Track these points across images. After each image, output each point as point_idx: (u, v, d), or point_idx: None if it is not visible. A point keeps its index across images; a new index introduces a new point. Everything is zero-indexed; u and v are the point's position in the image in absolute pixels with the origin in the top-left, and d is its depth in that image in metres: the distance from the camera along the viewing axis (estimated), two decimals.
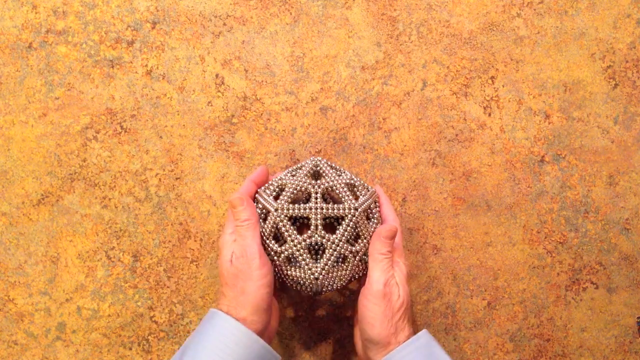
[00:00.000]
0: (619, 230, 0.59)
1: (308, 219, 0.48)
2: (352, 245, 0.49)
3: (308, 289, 0.49)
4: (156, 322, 0.58)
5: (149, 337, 0.58)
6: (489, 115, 0.59)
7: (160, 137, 0.57)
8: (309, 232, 0.48)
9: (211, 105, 0.57)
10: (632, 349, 0.60)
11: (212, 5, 0.57)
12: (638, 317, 0.60)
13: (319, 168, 0.50)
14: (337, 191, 0.49)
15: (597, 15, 0.59)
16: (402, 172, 0.58)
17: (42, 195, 0.57)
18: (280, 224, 0.48)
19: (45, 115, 0.57)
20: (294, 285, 0.50)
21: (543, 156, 0.59)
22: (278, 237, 0.50)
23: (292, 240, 0.47)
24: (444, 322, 0.59)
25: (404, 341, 0.45)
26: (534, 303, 0.59)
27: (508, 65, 0.59)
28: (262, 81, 0.58)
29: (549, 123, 0.59)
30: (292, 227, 0.48)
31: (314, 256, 0.50)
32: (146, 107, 0.57)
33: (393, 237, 0.48)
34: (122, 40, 0.57)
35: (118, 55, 0.57)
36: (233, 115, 0.58)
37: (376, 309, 0.46)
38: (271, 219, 0.48)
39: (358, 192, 0.50)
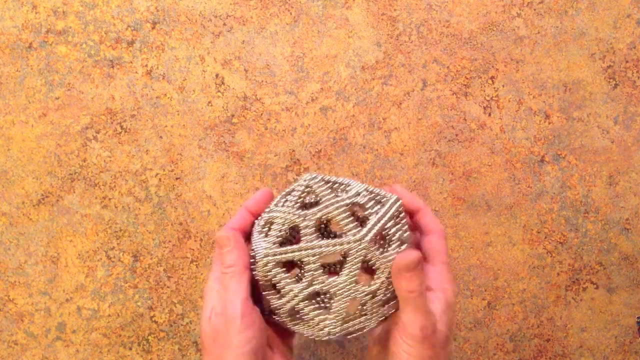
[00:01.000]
0: (619, 230, 0.59)
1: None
2: (368, 284, 0.38)
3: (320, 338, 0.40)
4: (156, 322, 0.58)
5: (149, 337, 0.58)
6: (489, 115, 0.59)
7: (160, 137, 0.57)
8: (306, 279, 0.38)
9: (211, 105, 0.57)
10: (632, 349, 0.60)
11: (212, 5, 0.57)
12: (638, 317, 0.60)
13: (311, 189, 0.39)
14: (337, 219, 0.38)
15: (597, 15, 0.59)
16: (402, 172, 0.58)
17: (42, 195, 0.57)
18: (270, 274, 0.38)
19: (45, 115, 0.57)
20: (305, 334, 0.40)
21: (543, 156, 0.59)
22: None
23: (289, 292, 0.38)
24: None
25: None
26: (534, 303, 0.59)
27: (508, 65, 0.59)
28: (262, 81, 0.58)
29: (549, 123, 0.59)
30: (286, 276, 0.38)
31: (327, 302, 0.40)
32: (146, 107, 0.57)
33: (415, 268, 0.37)
34: (122, 40, 0.57)
35: (118, 55, 0.57)
36: (233, 115, 0.58)
37: (416, 354, 0.37)
38: (260, 267, 0.38)
39: (368, 211, 0.39)
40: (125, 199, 0.57)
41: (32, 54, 0.56)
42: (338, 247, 0.37)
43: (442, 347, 0.38)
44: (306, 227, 0.37)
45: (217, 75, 0.57)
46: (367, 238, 0.37)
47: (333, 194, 0.38)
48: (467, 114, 0.58)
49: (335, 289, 0.37)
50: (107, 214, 0.57)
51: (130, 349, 0.58)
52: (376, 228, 0.38)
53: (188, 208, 0.57)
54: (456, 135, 0.59)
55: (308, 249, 0.37)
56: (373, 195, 0.39)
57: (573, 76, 0.59)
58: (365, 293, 0.37)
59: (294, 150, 0.58)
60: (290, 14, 0.57)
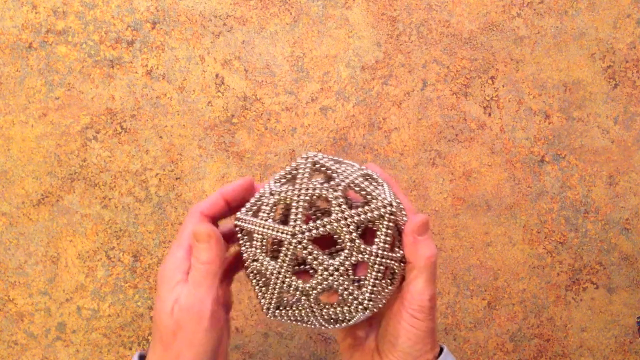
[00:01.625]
0: (619, 230, 0.59)
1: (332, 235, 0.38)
2: (395, 252, 0.37)
3: (344, 322, 0.38)
4: None
5: (149, 337, 0.58)
6: (489, 115, 0.59)
7: (160, 137, 0.57)
8: (346, 250, 0.35)
9: (211, 105, 0.57)
10: (632, 349, 0.60)
11: (212, 5, 0.57)
12: (638, 317, 0.60)
13: (319, 165, 0.38)
14: (359, 188, 0.37)
15: (597, 15, 0.59)
16: (402, 172, 0.58)
17: (42, 195, 0.57)
18: (305, 252, 0.35)
19: (45, 115, 0.57)
20: (322, 324, 0.38)
21: (543, 156, 0.59)
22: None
23: (327, 269, 0.35)
24: (444, 322, 0.59)
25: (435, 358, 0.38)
26: (534, 303, 0.59)
27: (508, 65, 0.59)
28: (262, 81, 0.58)
29: (549, 123, 0.59)
30: (320, 252, 0.36)
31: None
32: (146, 107, 0.57)
33: (428, 229, 0.37)
34: (122, 40, 0.57)
35: (118, 55, 0.57)
36: (233, 115, 0.58)
37: (421, 325, 0.37)
38: (288, 250, 0.36)
39: (377, 184, 0.38)
40: (125, 199, 0.57)
41: (32, 54, 0.56)
42: (273, 233, 0.36)
43: (436, 316, 0.38)
44: (267, 204, 0.36)
45: (217, 75, 0.57)
46: (304, 234, 0.35)
47: (305, 181, 0.37)
48: (467, 114, 0.58)
49: (268, 273, 0.36)
50: (107, 214, 0.57)
51: (130, 349, 0.58)
52: (322, 229, 0.36)
53: (188, 208, 0.57)
54: (456, 135, 0.59)
55: (258, 225, 0.36)
56: (360, 192, 0.37)
57: (573, 76, 0.59)
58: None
59: (294, 150, 0.58)
60: (290, 14, 0.57)
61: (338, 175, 0.37)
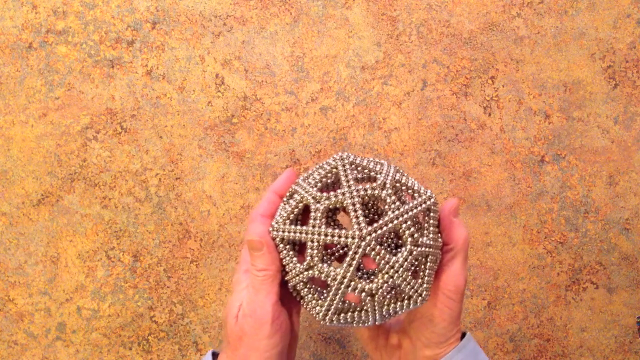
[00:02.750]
0: (619, 230, 0.59)
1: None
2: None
3: (396, 314, 0.38)
4: (156, 322, 0.58)
5: (149, 337, 0.58)
6: (489, 115, 0.59)
7: (160, 137, 0.57)
8: (408, 246, 0.36)
9: (211, 105, 0.57)
10: (632, 349, 0.60)
11: (212, 5, 0.57)
12: (638, 317, 0.60)
13: (356, 165, 0.38)
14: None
15: (597, 15, 0.59)
16: None
17: (42, 195, 0.57)
18: (374, 252, 0.36)
19: (45, 115, 0.57)
20: (377, 321, 0.38)
21: (543, 156, 0.59)
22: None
23: (393, 266, 0.36)
24: None
25: (456, 343, 0.39)
26: (534, 303, 0.59)
27: (508, 65, 0.59)
28: (262, 81, 0.58)
29: (549, 123, 0.59)
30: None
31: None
32: (146, 107, 0.57)
33: (459, 212, 0.40)
34: (122, 40, 0.57)
35: (118, 55, 0.57)
36: (233, 115, 0.58)
37: (456, 307, 0.38)
38: (356, 253, 0.36)
39: (387, 206, 0.38)
40: (125, 199, 0.57)
41: (32, 54, 0.56)
42: (337, 239, 0.36)
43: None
44: (316, 210, 0.36)
45: (217, 75, 0.57)
46: (372, 236, 0.35)
47: (351, 182, 0.37)
48: (467, 114, 0.58)
49: (330, 279, 0.36)
50: (107, 214, 0.57)
51: (130, 349, 0.58)
52: (385, 228, 0.36)
53: (188, 208, 0.57)
54: (456, 135, 0.59)
55: (312, 234, 0.36)
56: (401, 188, 0.38)
57: (573, 76, 0.59)
58: (363, 291, 0.36)
59: (294, 150, 0.58)
60: (290, 14, 0.57)
61: (378, 174, 0.37)
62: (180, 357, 0.58)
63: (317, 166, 0.39)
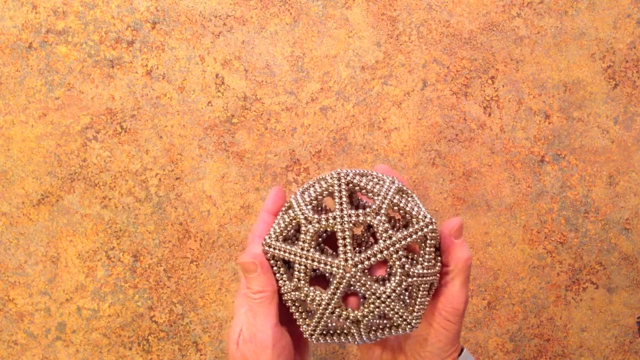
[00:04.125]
0: (619, 230, 0.59)
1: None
2: (436, 266, 0.37)
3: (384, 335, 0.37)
4: (156, 322, 0.58)
5: (149, 337, 0.58)
6: (489, 115, 0.59)
7: (160, 137, 0.57)
8: (397, 277, 0.35)
9: (211, 105, 0.57)
10: (632, 349, 0.60)
11: (212, 5, 0.57)
12: (638, 317, 0.60)
13: (353, 185, 0.37)
14: (397, 207, 0.36)
15: (597, 15, 0.59)
16: (402, 172, 0.58)
17: (42, 195, 0.57)
18: (359, 284, 0.35)
19: (45, 115, 0.57)
20: (365, 342, 0.38)
21: (543, 156, 0.59)
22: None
23: (379, 297, 0.35)
24: None
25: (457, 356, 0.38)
26: (534, 303, 0.59)
27: (508, 65, 0.59)
28: (262, 81, 0.58)
29: (549, 123, 0.59)
30: (372, 281, 0.35)
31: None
32: (146, 107, 0.57)
33: (462, 233, 0.37)
34: (122, 40, 0.57)
35: (118, 55, 0.57)
36: (233, 115, 0.58)
37: (453, 328, 0.37)
38: (341, 283, 0.35)
39: (410, 198, 0.38)
40: (125, 199, 0.57)
41: (32, 54, 0.56)
42: (322, 266, 0.35)
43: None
44: (306, 232, 0.35)
45: (217, 75, 0.57)
46: (358, 267, 0.34)
47: (345, 206, 0.35)
48: (467, 114, 0.58)
49: (315, 304, 0.35)
50: (107, 214, 0.57)
51: (130, 349, 0.58)
52: (373, 259, 0.35)
53: (188, 208, 0.57)
54: (456, 135, 0.59)
55: (300, 256, 0.35)
56: (398, 212, 0.36)
57: (573, 76, 0.59)
58: (348, 318, 0.36)
59: (294, 150, 0.58)
60: (290, 14, 0.57)
61: (375, 196, 0.36)
62: (180, 357, 0.58)
63: (316, 179, 0.38)
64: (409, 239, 0.35)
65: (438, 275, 0.37)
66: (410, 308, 0.36)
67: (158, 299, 0.58)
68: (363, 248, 0.36)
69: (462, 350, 0.40)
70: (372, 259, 0.35)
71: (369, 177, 0.37)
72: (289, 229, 0.37)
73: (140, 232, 0.57)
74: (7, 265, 0.57)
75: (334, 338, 0.37)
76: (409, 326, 0.36)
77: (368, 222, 0.35)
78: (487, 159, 0.59)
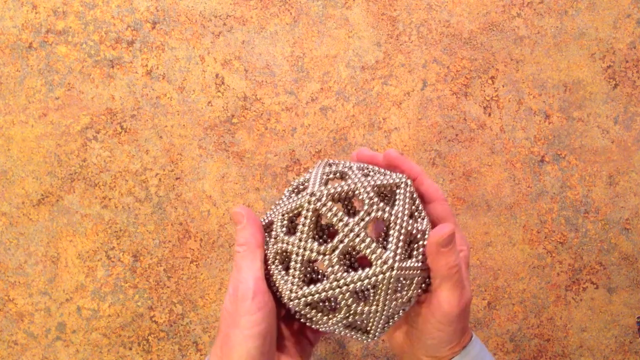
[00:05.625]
0: (619, 230, 0.59)
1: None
2: (418, 222, 0.37)
3: (364, 334, 0.37)
4: (156, 322, 0.58)
5: (149, 337, 0.58)
6: (489, 115, 0.59)
7: (160, 137, 0.57)
8: (365, 207, 0.34)
9: (211, 105, 0.57)
10: (632, 349, 0.60)
11: (212, 5, 0.57)
12: (638, 317, 0.60)
13: (331, 162, 0.38)
14: (374, 171, 0.37)
15: (597, 15, 0.59)
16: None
17: (42, 195, 0.57)
18: (324, 208, 0.34)
19: (45, 115, 0.57)
20: (345, 327, 0.37)
21: (543, 156, 0.59)
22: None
23: (347, 224, 0.34)
24: None
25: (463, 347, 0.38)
26: (534, 303, 0.59)
27: (508, 65, 0.59)
28: (262, 81, 0.58)
29: (549, 123, 0.59)
30: (342, 212, 0.35)
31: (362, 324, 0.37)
32: (146, 107, 0.57)
33: (452, 241, 0.36)
34: (122, 40, 0.57)
35: (118, 55, 0.57)
36: (233, 115, 0.58)
37: (448, 330, 0.36)
38: (309, 210, 0.35)
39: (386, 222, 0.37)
40: (125, 199, 0.57)
41: (32, 54, 0.56)
42: (366, 281, 0.34)
43: (468, 313, 0.37)
44: (330, 263, 0.34)
45: (217, 75, 0.57)
46: (396, 259, 0.34)
47: (346, 218, 0.35)
48: (467, 114, 0.58)
49: (393, 216, 0.34)
50: (107, 214, 0.57)
51: (130, 349, 0.58)
52: (339, 189, 0.35)
53: (188, 208, 0.57)
54: (456, 135, 0.59)
55: (337, 287, 0.34)
56: (379, 193, 0.36)
57: (573, 76, 0.59)
58: (417, 229, 0.35)
59: (294, 150, 0.58)
60: (290, 14, 0.57)
61: (339, 232, 0.35)
62: (180, 357, 0.58)
63: (292, 198, 0.37)
64: (378, 182, 0.35)
65: (424, 236, 0.36)
66: (388, 248, 0.35)
67: (158, 299, 0.58)
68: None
69: (471, 337, 0.39)
70: (339, 188, 0.35)
71: (337, 210, 0.37)
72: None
73: (140, 232, 0.57)
74: (7, 265, 0.57)
75: (313, 288, 0.35)
76: (386, 265, 0.34)
77: (340, 170, 0.36)
78: (487, 159, 0.59)
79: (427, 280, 0.37)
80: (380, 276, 0.34)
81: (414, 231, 0.36)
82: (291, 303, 0.35)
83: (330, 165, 0.38)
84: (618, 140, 0.59)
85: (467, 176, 0.59)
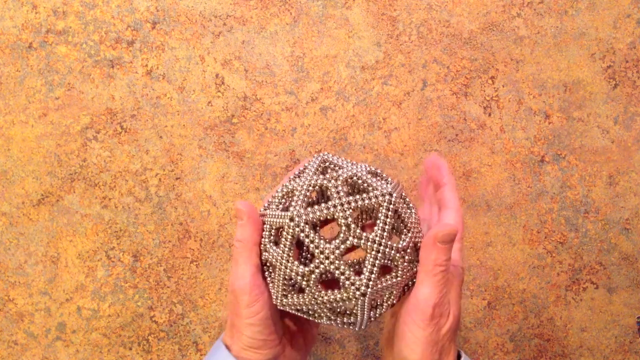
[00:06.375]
0: (619, 230, 0.59)
1: (332, 220, 0.39)
2: (397, 242, 0.38)
3: (350, 318, 0.38)
4: (156, 322, 0.58)
5: (149, 337, 0.58)
6: (489, 115, 0.59)
7: (160, 137, 0.57)
8: (341, 234, 0.36)
9: (211, 105, 0.57)
10: (632, 349, 0.60)
11: (212, 5, 0.57)
12: (638, 317, 0.60)
13: (328, 163, 0.40)
14: (361, 180, 0.38)
15: (597, 15, 0.59)
16: (402, 172, 0.58)
17: (42, 195, 0.57)
18: (303, 234, 0.36)
19: (45, 115, 0.57)
20: (329, 318, 0.39)
21: (543, 156, 0.59)
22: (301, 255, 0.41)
23: (323, 252, 0.36)
24: None
25: None
26: (534, 303, 0.59)
27: (508, 65, 0.59)
28: (262, 81, 0.58)
29: (549, 123, 0.59)
30: (317, 235, 0.36)
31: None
32: (146, 107, 0.57)
33: (452, 241, 0.36)
34: (122, 40, 0.57)
35: (118, 55, 0.57)
36: (233, 115, 0.58)
37: (419, 333, 0.36)
38: (288, 233, 0.36)
39: (383, 180, 0.39)
40: (125, 199, 0.57)
41: (32, 54, 0.56)
42: (370, 200, 0.36)
43: (449, 338, 0.37)
44: (336, 186, 0.37)
45: (217, 75, 0.57)
46: (396, 192, 0.36)
47: (351, 164, 0.38)
48: (467, 114, 0.58)
49: (369, 242, 0.36)
50: (107, 214, 0.57)
51: (130, 349, 0.58)
52: (399, 187, 0.37)
53: (188, 208, 0.57)
54: (456, 135, 0.59)
55: (342, 204, 0.36)
56: (362, 211, 0.39)
57: (573, 76, 0.59)
58: (396, 250, 0.36)
59: (294, 150, 0.58)
60: (290, 14, 0.57)
61: (342, 169, 0.38)
62: (180, 357, 0.58)
63: (297, 170, 0.40)
64: (359, 202, 0.36)
65: (403, 254, 0.37)
66: (362, 274, 0.36)
67: (158, 299, 0.58)
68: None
69: (459, 356, 0.39)
70: (318, 213, 0.36)
71: (350, 162, 0.39)
72: (272, 200, 0.39)
73: (140, 232, 0.57)
74: (7, 265, 0.57)
75: (295, 301, 0.38)
76: (358, 292, 0.36)
77: (324, 185, 0.37)
78: (487, 159, 0.59)
79: (409, 283, 0.38)
80: (353, 300, 0.36)
81: (392, 251, 0.36)
82: (279, 305, 0.38)
83: (324, 168, 0.39)
84: (618, 140, 0.59)
85: (467, 176, 0.59)
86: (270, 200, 0.40)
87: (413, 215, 0.39)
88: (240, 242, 0.38)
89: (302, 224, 0.36)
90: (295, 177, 0.40)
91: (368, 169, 0.39)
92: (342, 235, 0.36)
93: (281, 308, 0.39)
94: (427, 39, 0.58)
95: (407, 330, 0.37)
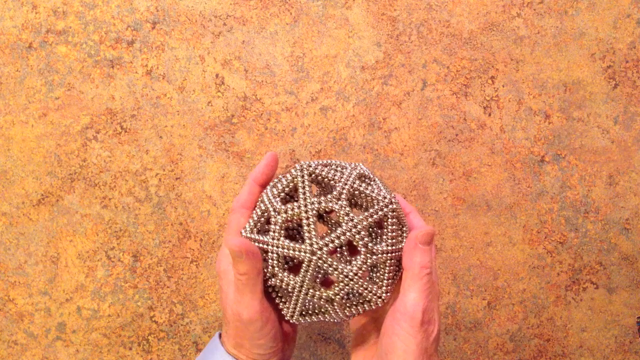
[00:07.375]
0: (619, 230, 0.59)
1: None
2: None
3: (364, 306, 0.40)
4: (156, 322, 0.58)
5: (149, 337, 0.58)
6: (489, 115, 0.59)
7: (160, 137, 0.57)
8: (361, 256, 0.38)
9: (211, 105, 0.57)
10: (632, 349, 0.60)
11: (212, 5, 0.57)
12: (638, 317, 0.60)
13: (316, 176, 0.40)
14: (358, 191, 0.39)
15: (597, 15, 0.59)
16: (402, 172, 0.58)
17: (42, 195, 0.57)
18: (326, 265, 0.37)
19: (45, 115, 0.57)
20: (344, 318, 0.40)
21: (543, 156, 0.59)
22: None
23: (347, 276, 0.37)
24: (444, 322, 0.59)
25: None
26: (534, 303, 0.59)
27: (508, 65, 0.59)
28: (262, 81, 0.58)
29: (549, 123, 0.59)
30: (338, 262, 0.38)
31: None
32: (146, 107, 0.57)
33: (432, 242, 0.38)
34: (122, 40, 0.57)
35: (118, 55, 0.57)
36: (233, 115, 0.58)
37: (411, 341, 0.36)
38: (309, 266, 0.38)
39: (372, 182, 0.41)
40: (125, 199, 0.57)
41: (32, 54, 0.56)
42: (292, 252, 0.37)
43: (435, 345, 0.37)
44: (275, 222, 0.38)
45: (217, 75, 0.57)
46: (323, 250, 0.37)
47: (308, 195, 0.38)
48: (467, 114, 0.58)
49: (290, 287, 0.38)
50: (107, 214, 0.57)
51: (130, 349, 0.58)
52: (337, 241, 0.37)
53: (188, 208, 0.57)
54: (456, 135, 0.59)
55: (271, 245, 0.38)
56: (360, 196, 0.39)
57: (573, 76, 0.59)
58: (322, 298, 0.38)
59: (294, 150, 0.58)
60: (290, 14, 0.57)
61: (337, 183, 0.39)
62: (180, 357, 0.58)
63: (282, 175, 0.40)
64: (369, 220, 0.38)
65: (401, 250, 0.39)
66: (379, 282, 0.39)
67: (158, 299, 0.58)
68: (329, 232, 0.38)
69: None
70: (336, 241, 0.37)
71: (332, 167, 0.40)
72: (261, 221, 0.39)
73: (140, 232, 0.57)
74: (7, 265, 0.57)
75: (313, 317, 0.40)
76: (379, 300, 0.39)
77: (330, 207, 0.37)
78: (487, 159, 0.59)
79: (384, 295, 0.40)
80: (374, 306, 0.39)
81: (399, 253, 0.39)
82: (293, 321, 0.40)
83: (316, 182, 0.40)
84: (618, 140, 0.59)
85: (467, 176, 0.59)
86: (256, 219, 0.39)
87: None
88: (245, 275, 0.38)
89: (324, 256, 0.37)
90: (285, 197, 0.40)
91: (355, 171, 0.39)
92: (362, 256, 0.37)
93: (295, 322, 0.40)
94: (427, 39, 0.58)
95: (398, 340, 0.36)
